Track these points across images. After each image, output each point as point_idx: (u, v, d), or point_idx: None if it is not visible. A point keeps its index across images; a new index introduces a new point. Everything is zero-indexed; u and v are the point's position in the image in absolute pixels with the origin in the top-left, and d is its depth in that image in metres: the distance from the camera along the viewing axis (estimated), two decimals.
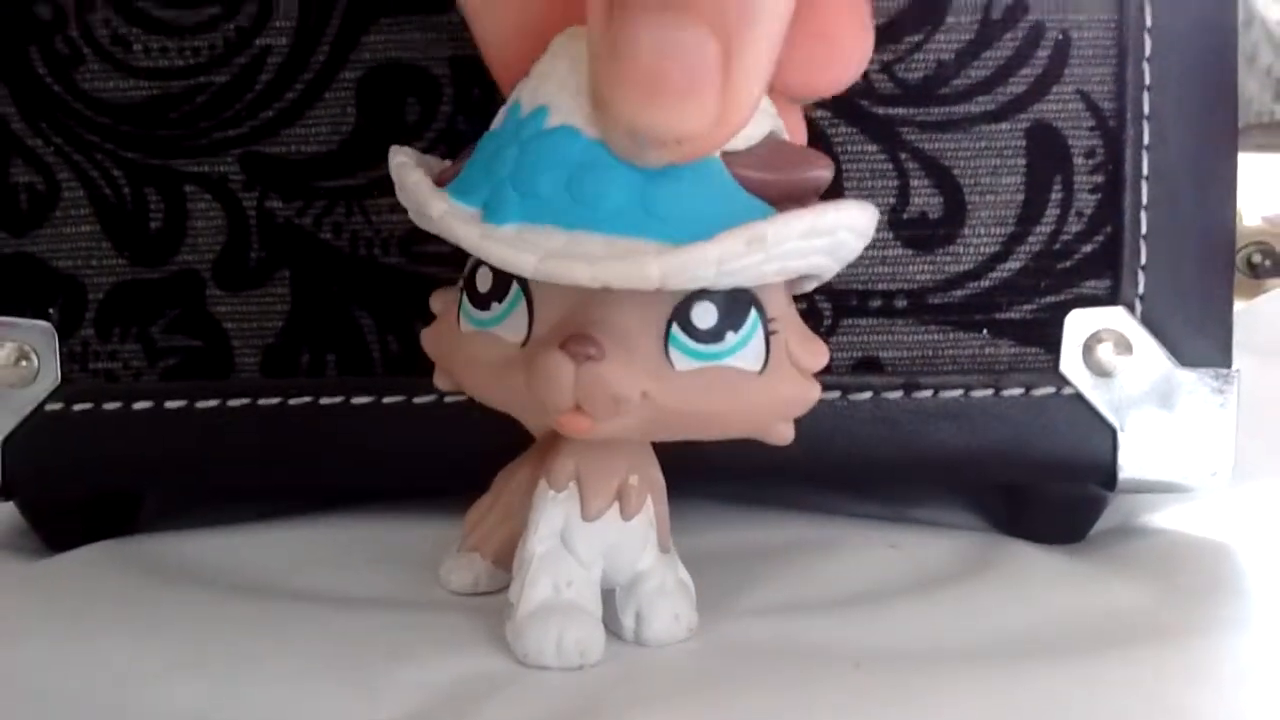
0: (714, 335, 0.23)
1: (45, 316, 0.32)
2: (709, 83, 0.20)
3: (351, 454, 0.32)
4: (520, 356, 0.23)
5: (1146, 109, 0.31)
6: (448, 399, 0.31)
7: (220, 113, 0.31)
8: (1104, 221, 0.31)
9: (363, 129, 0.31)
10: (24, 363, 0.32)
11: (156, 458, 0.32)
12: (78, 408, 0.32)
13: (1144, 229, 0.31)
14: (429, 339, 0.26)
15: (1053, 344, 0.31)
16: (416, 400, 0.31)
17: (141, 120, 0.31)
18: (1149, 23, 0.31)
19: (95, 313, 0.32)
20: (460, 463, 0.31)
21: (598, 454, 0.25)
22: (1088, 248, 0.31)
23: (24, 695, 0.24)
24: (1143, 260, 0.31)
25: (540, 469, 0.26)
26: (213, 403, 0.32)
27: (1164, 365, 0.31)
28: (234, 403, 0.32)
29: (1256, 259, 0.74)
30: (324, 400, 0.31)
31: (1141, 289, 0.31)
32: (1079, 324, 0.31)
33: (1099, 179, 0.31)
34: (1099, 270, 0.31)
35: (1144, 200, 0.31)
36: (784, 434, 0.24)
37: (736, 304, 0.23)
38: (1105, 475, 0.31)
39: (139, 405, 0.32)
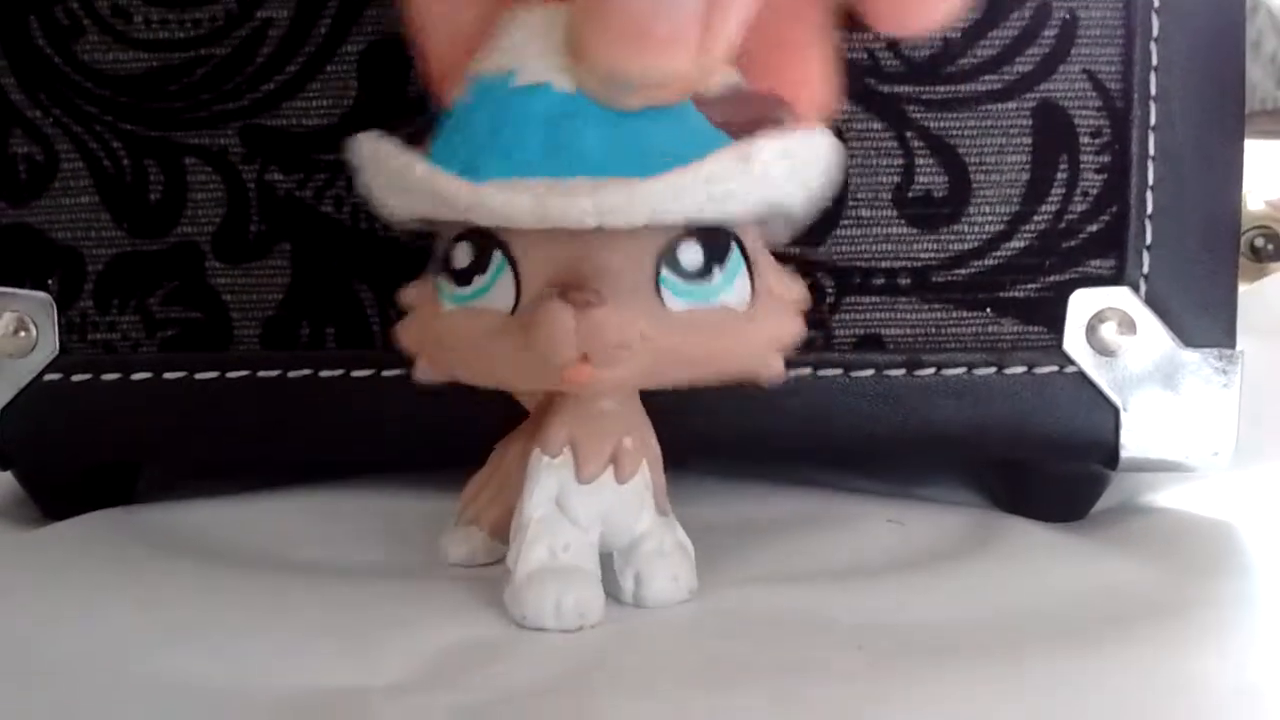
0: (701, 274, 0.23)
1: (44, 287, 0.32)
2: (692, 29, 0.21)
3: (351, 427, 0.32)
4: (512, 322, 0.23)
5: (1153, 89, 0.31)
6: None
7: (221, 85, 0.31)
8: (1110, 201, 0.31)
9: (364, 102, 0.31)
10: (23, 333, 0.31)
11: (155, 429, 0.32)
12: (76, 378, 0.32)
13: (1149, 209, 0.31)
14: (406, 332, 0.26)
15: (1056, 323, 0.31)
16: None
17: (141, 92, 0.31)
18: (1156, 2, 0.31)
19: (94, 284, 0.32)
20: (460, 436, 0.31)
21: (591, 418, 0.25)
22: (1093, 227, 0.31)
23: (21, 661, 0.24)
24: (1148, 240, 0.31)
25: (535, 440, 0.26)
26: (212, 374, 0.31)
27: (1167, 345, 0.31)
28: (233, 375, 0.31)
29: (1260, 243, 0.74)
30: (324, 373, 0.31)
31: (1146, 269, 0.31)
32: (1083, 303, 0.31)
33: (1105, 159, 0.31)
34: (1104, 250, 0.31)
35: (1150, 180, 0.31)
36: (776, 369, 0.24)
37: (719, 242, 0.23)
38: (1107, 454, 0.31)
39: (137, 376, 0.32)
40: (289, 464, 0.35)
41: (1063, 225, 0.31)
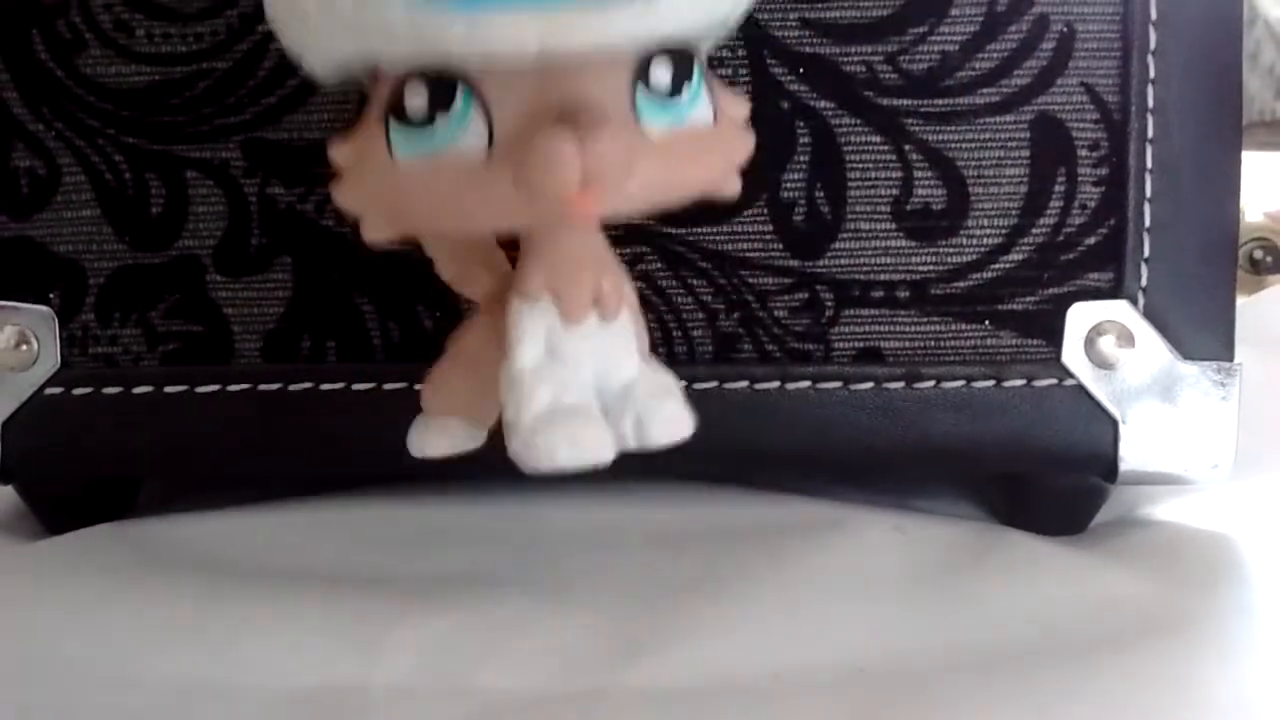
0: (673, 91, 0.23)
1: (46, 301, 0.32)
2: None
3: (351, 440, 0.32)
4: (497, 158, 0.21)
5: (1151, 102, 0.31)
6: None
7: (222, 99, 0.31)
8: (1107, 214, 0.31)
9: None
10: (24, 346, 0.32)
11: (156, 442, 0.32)
12: (77, 392, 0.32)
13: (1147, 222, 0.31)
14: (348, 190, 0.24)
15: (1055, 335, 0.31)
16: (418, 386, 0.31)
17: (143, 106, 0.31)
18: (1154, 16, 0.31)
19: (96, 297, 0.32)
20: None
21: (568, 260, 0.24)
22: (1091, 240, 0.31)
23: (23, 671, 0.24)
24: (1146, 253, 0.31)
25: (497, 314, 0.25)
26: (213, 388, 0.32)
27: (1166, 358, 0.31)
28: (234, 388, 0.32)
29: (1258, 255, 0.74)
30: (324, 386, 0.31)
31: (1144, 282, 0.31)
32: (1081, 316, 0.31)
33: (1103, 172, 0.31)
34: (1102, 263, 0.31)
35: (1148, 193, 0.31)
36: (735, 187, 0.24)
37: (683, 59, 0.23)
38: (1106, 467, 0.31)
39: (139, 390, 0.32)
40: (289, 477, 0.35)
41: (1061, 238, 0.31)
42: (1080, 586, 0.29)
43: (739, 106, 0.24)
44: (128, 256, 0.32)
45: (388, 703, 0.22)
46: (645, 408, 0.25)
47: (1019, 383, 0.31)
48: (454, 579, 0.29)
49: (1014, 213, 0.31)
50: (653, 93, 0.22)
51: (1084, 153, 0.31)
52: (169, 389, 0.32)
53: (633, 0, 0.21)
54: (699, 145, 0.23)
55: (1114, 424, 0.31)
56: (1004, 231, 0.31)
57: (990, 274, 0.31)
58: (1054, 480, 0.33)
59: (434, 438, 0.27)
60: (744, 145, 0.24)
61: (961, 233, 0.31)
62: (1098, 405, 0.31)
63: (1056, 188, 0.31)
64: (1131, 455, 0.31)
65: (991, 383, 0.31)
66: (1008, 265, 0.31)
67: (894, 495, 0.36)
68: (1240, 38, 0.32)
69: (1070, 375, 0.31)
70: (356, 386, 0.31)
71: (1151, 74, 0.31)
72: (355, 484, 0.36)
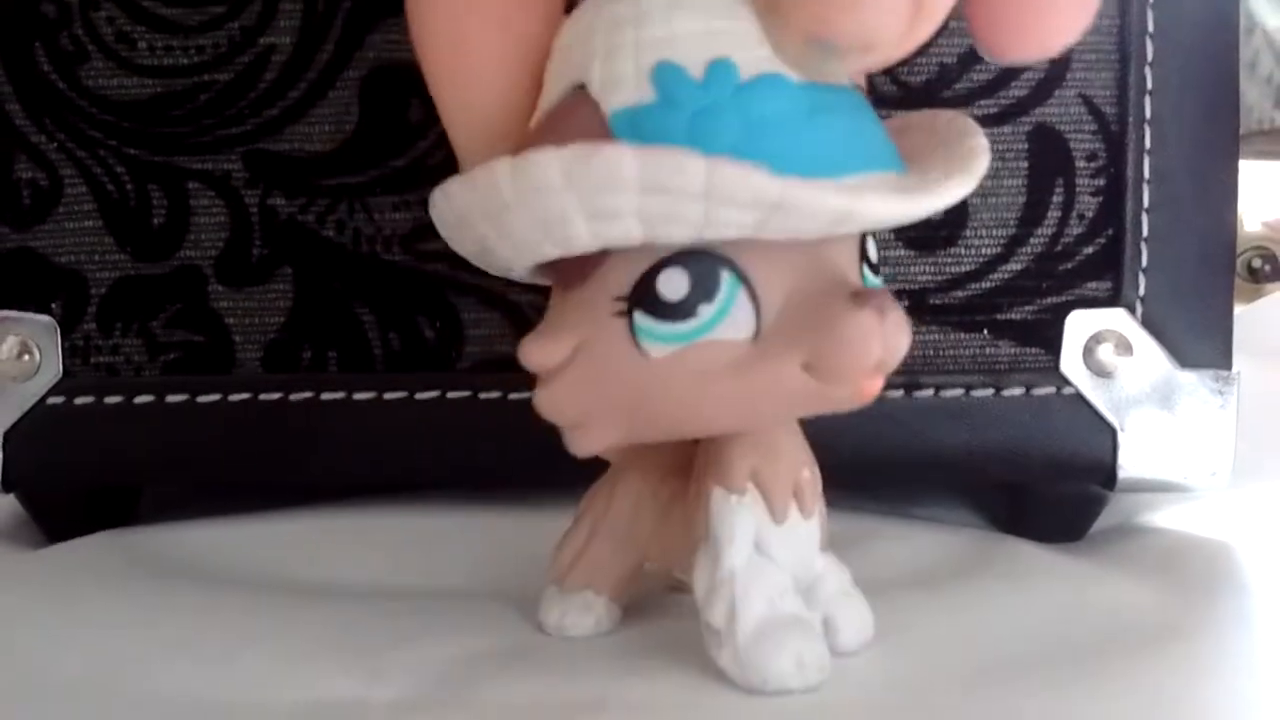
0: (876, 267, 0.23)
1: (48, 311, 0.32)
2: None
3: (352, 449, 0.32)
4: (770, 346, 0.20)
5: (1148, 113, 0.31)
6: (449, 395, 0.31)
7: (224, 110, 0.31)
8: (1105, 224, 0.31)
9: (365, 128, 0.31)
10: (26, 357, 0.32)
11: (157, 452, 0.32)
12: (79, 402, 0.32)
13: (1145, 231, 0.31)
14: (567, 394, 0.21)
15: (1053, 344, 0.31)
16: (418, 396, 0.31)
17: (145, 117, 0.31)
18: (1150, 27, 0.31)
19: (97, 307, 0.32)
20: (461, 458, 0.32)
21: (771, 449, 0.23)
22: (1089, 250, 0.31)
23: (23, 680, 0.24)
24: (1144, 262, 0.31)
25: (661, 485, 0.24)
26: (214, 397, 0.32)
27: (1164, 366, 0.31)
28: (235, 397, 0.32)
29: (1257, 264, 0.74)
30: (325, 396, 0.32)
31: (1142, 291, 0.31)
32: (1080, 325, 0.31)
33: (1100, 182, 0.31)
34: (1100, 272, 0.31)
35: (1145, 203, 0.31)
36: None
37: (874, 236, 0.23)
38: (1105, 475, 0.31)
39: (140, 399, 0.32)
40: (290, 486, 0.35)
41: (1059, 248, 0.31)
42: (1079, 594, 0.29)
43: None
44: (129, 267, 0.32)
45: (388, 718, 0.22)
46: (837, 609, 0.24)
47: (1018, 391, 0.31)
48: (454, 591, 0.29)
49: (1012, 223, 0.31)
50: (870, 266, 0.22)
51: (1082, 163, 0.31)
52: (170, 398, 0.32)
53: (927, 182, 0.20)
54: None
55: (1113, 432, 0.31)
56: (1002, 241, 0.31)
57: (989, 283, 0.31)
58: (1053, 488, 0.33)
59: (577, 615, 0.26)
60: None
61: (960, 243, 0.31)
62: (1096, 413, 0.31)
63: (1054, 198, 0.31)
64: (1130, 463, 0.31)
65: (990, 391, 0.31)
66: (1006, 275, 0.31)
67: (894, 504, 0.36)
68: (1237, 48, 0.32)
69: (1069, 384, 0.31)
70: (357, 396, 0.32)
71: (1149, 85, 0.31)
72: (356, 493, 0.36)
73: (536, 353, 0.21)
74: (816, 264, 0.20)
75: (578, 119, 0.20)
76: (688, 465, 0.24)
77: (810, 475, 0.23)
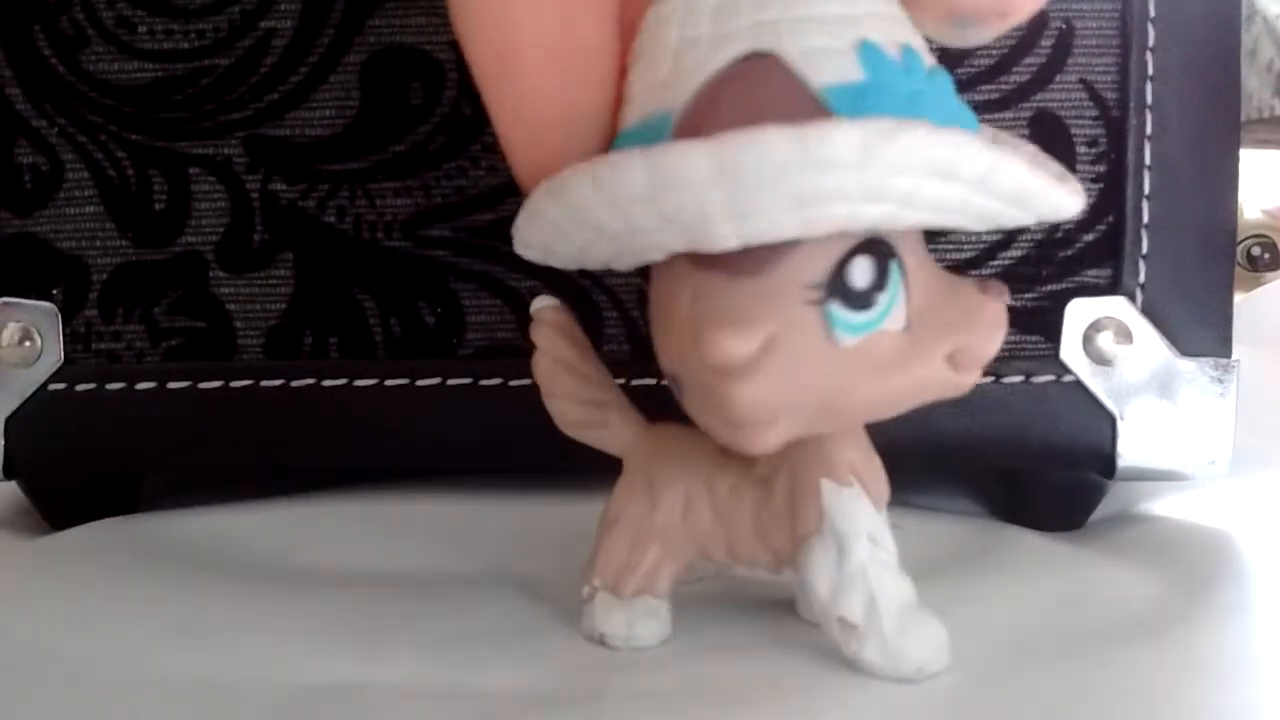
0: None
1: (49, 297, 0.32)
2: None
3: (353, 435, 0.32)
4: (921, 336, 0.21)
5: (1149, 99, 0.31)
6: (450, 381, 0.31)
7: (224, 95, 0.31)
8: (1106, 211, 0.31)
9: (366, 113, 0.31)
10: (27, 343, 0.32)
11: (159, 438, 0.32)
12: (81, 388, 0.32)
13: (1145, 219, 0.31)
14: (766, 387, 0.20)
15: (1053, 332, 0.31)
16: (420, 383, 0.31)
17: (146, 102, 0.31)
18: (1152, 13, 0.31)
19: (99, 293, 0.32)
20: (462, 443, 0.32)
21: (860, 439, 0.23)
22: (1089, 237, 0.31)
23: (26, 666, 0.24)
24: (1144, 250, 0.31)
25: (714, 479, 0.24)
26: (215, 384, 0.32)
27: (1164, 354, 0.31)
28: (236, 384, 0.32)
29: (1256, 252, 0.74)
30: (326, 382, 0.32)
31: (1142, 278, 0.31)
32: (1079, 312, 0.31)
33: (1101, 168, 0.31)
34: (1100, 259, 0.31)
35: (1146, 190, 0.31)
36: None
37: None
38: (1105, 463, 0.31)
39: (142, 386, 0.32)
40: (292, 472, 0.35)
41: (1059, 235, 0.31)
42: (1078, 582, 0.29)
43: None
44: (130, 253, 0.32)
45: (389, 703, 0.22)
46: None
47: (1017, 379, 0.31)
48: (455, 576, 0.29)
49: None
50: None
51: (1083, 149, 0.31)
52: (172, 385, 0.32)
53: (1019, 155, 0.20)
54: None
55: (1112, 420, 0.31)
56: (1002, 228, 0.31)
57: (989, 270, 0.31)
58: (1052, 476, 0.33)
59: (643, 623, 0.25)
60: None
61: (960, 229, 0.31)
62: (1096, 401, 0.31)
63: None
64: (1130, 451, 0.31)
65: (990, 379, 0.31)
66: (1006, 262, 0.31)
67: (893, 492, 0.36)
68: (1239, 35, 0.32)
69: (1068, 371, 0.31)
70: (358, 383, 0.32)
71: (1150, 71, 0.31)
72: (357, 479, 0.36)
73: (728, 345, 0.20)
74: (924, 256, 0.21)
75: (775, 91, 0.19)
76: (732, 456, 0.24)
77: (880, 465, 0.24)
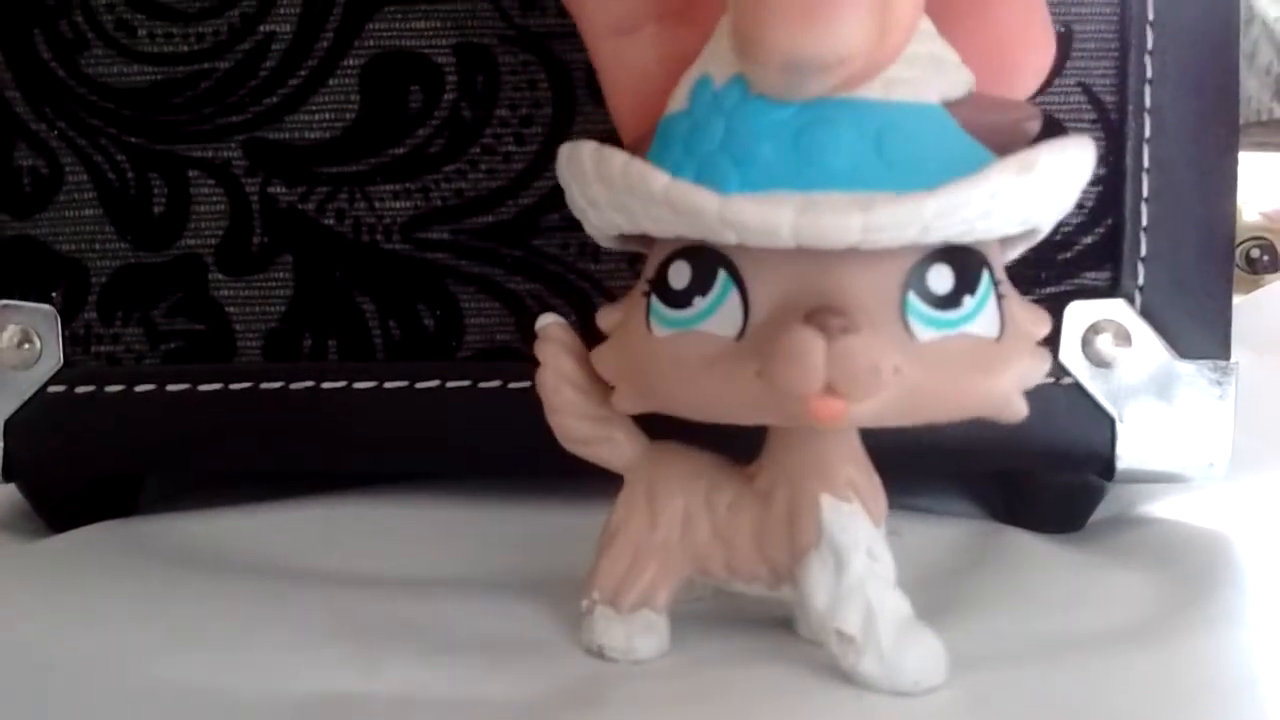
0: (951, 301, 0.21)
1: (48, 300, 0.32)
2: None
3: (353, 438, 0.32)
4: (742, 348, 0.21)
5: (1148, 102, 0.31)
6: (449, 384, 0.31)
7: (224, 98, 0.31)
8: (1105, 214, 0.31)
9: (366, 116, 0.31)
10: (27, 345, 0.32)
11: (158, 440, 0.32)
12: (80, 390, 0.32)
13: (1144, 221, 0.31)
14: (604, 359, 0.24)
15: (1052, 334, 0.31)
16: (419, 385, 0.31)
17: (145, 105, 0.31)
18: (1151, 16, 0.31)
19: (98, 296, 0.32)
20: (461, 446, 0.32)
21: (858, 454, 0.23)
22: (1088, 239, 0.31)
23: (25, 671, 0.24)
24: (1143, 252, 0.31)
25: (712, 495, 0.24)
26: (215, 386, 0.32)
27: (1163, 357, 0.31)
28: (236, 386, 0.32)
29: (1255, 254, 0.74)
30: (326, 385, 0.32)
31: (1141, 281, 0.31)
32: (1078, 315, 0.31)
33: (1100, 171, 0.31)
34: (1099, 262, 0.31)
35: (1145, 193, 0.31)
36: (1020, 408, 0.22)
37: (969, 265, 0.21)
38: (1103, 465, 0.31)
39: (141, 388, 0.32)
40: (291, 475, 0.35)
41: (1058, 237, 0.31)
42: (1077, 584, 0.29)
43: (1038, 324, 0.22)
44: (130, 255, 0.32)
45: (390, 713, 0.22)
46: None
47: None
48: (455, 580, 0.29)
49: None
50: (927, 297, 0.21)
51: None
52: (171, 387, 0.32)
53: (899, 197, 0.19)
54: (980, 359, 0.21)
55: (1111, 422, 0.31)
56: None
57: None
58: (1051, 478, 0.33)
59: (642, 637, 0.25)
60: (1037, 366, 0.22)
61: None
62: (1095, 403, 0.31)
63: None
64: (1128, 453, 0.31)
65: None
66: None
67: (891, 494, 0.36)
68: (1237, 38, 0.32)
69: (1067, 373, 0.31)
70: (358, 385, 0.32)
71: (1149, 74, 0.31)
72: (357, 483, 0.36)
73: (600, 317, 0.24)
74: (815, 281, 0.21)
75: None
76: (731, 472, 0.25)
77: (879, 483, 0.24)
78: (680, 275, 0.22)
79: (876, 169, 0.20)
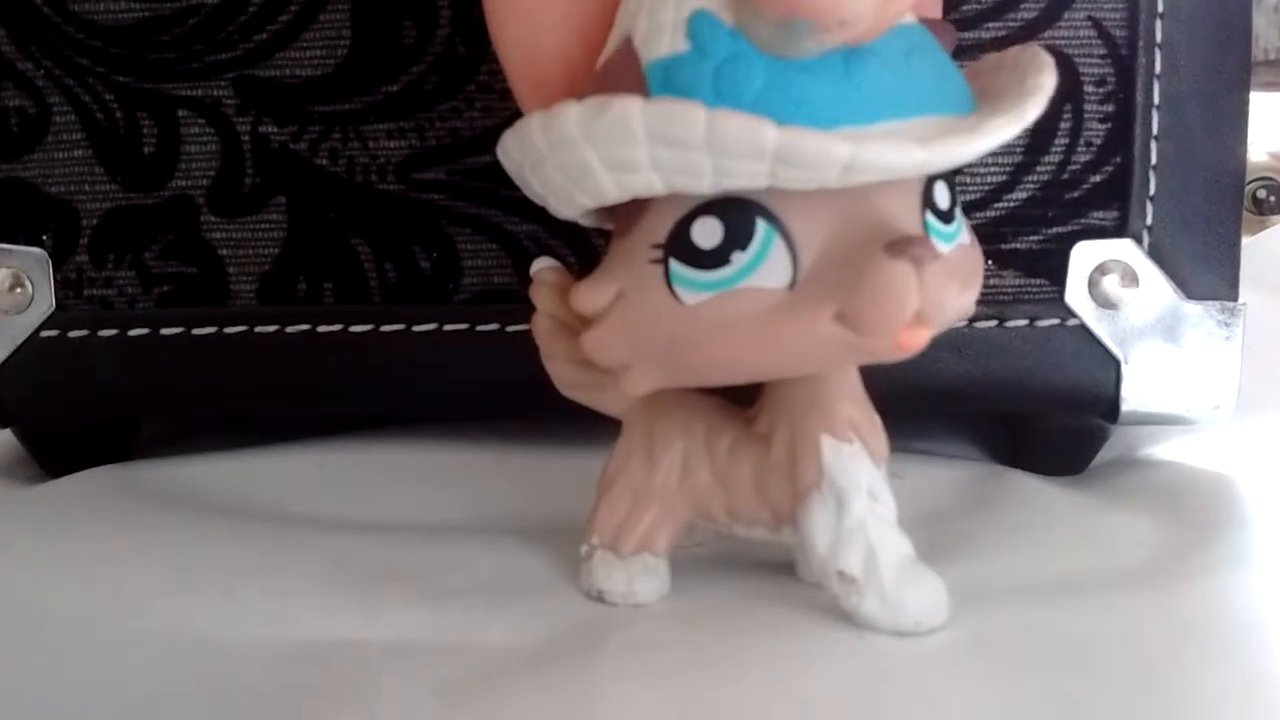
0: (949, 215, 0.22)
1: (39, 243, 0.31)
2: None
3: (348, 381, 0.31)
4: (804, 295, 0.20)
5: (1159, 37, 0.31)
6: (447, 327, 0.31)
7: (213, 35, 0.30)
8: (1113, 151, 0.31)
9: (358, 52, 0.30)
10: (18, 289, 0.31)
11: (153, 385, 0.32)
12: (73, 334, 0.31)
13: (1153, 159, 0.31)
14: (604, 343, 0.22)
15: (1059, 275, 0.31)
16: (415, 328, 0.31)
17: (133, 43, 0.31)
18: None
19: (89, 239, 0.31)
20: (459, 390, 0.31)
21: (860, 395, 0.23)
22: (1096, 178, 0.31)
23: (22, 616, 0.24)
24: (1151, 191, 0.31)
25: (712, 438, 0.24)
26: (209, 330, 0.31)
27: (1170, 298, 0.31)
28: (230, 330, 0.31)
29: (1262, 194, 0.73)
30: (321, 328, 0.31)
31: (1149, 220, 0.31)
32: (1085, 255, 0.31)
33: (1109, 108, 0.31)
34: (1107, 201, 0.31)
35: (1154, 130, 0.31)
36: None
37: (952, 181, 0.22)
38: (1108, 407, 0.31)
39: (134, 332, 0.31)
40: (287, 419, 0.35)
41: (1066, 176, 0.31)
42: (1081, 526, 0.29)
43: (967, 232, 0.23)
44: (120, 197, 0.31)
45: (387, 658, 0.22)
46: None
47: (1021, 323, 0.31)
48: (452, 525, 0.29)
49: (1018, 149, 0.31)
50: (937, 213, 0.21)
51: (1090, 88, 0.31)
52: (165, 331, 0.31)
53: (970, 125, 0.20)
54: (977, 262, 0.22)
55: (1116, 364, 0.31)
56: (1008, 169, 0.31)
57: (994, 212, 0.31)
58: (1055, 420, 0.33)
59: (643, 580, 0.25)
60: (981, 265, 0.23)
61: (965, 170, 0.31)
62: (1100, 345, 0.31)
63: (1062, 124, 0.31)
64: (1133, 395, 0.31)
65: (994, 323, 0.31)
66: (1011, 204, 0.31)
67: (895, 437, 0.36)
68: None
69: (1073, 315, 0.31)
70: (353, 328, 0.31)
71: (1160, 9, 0.30)
72: (354, 427, 0.35)
73: (583, 298, 0.22)
74: (860, 212, 0.20)
75: (620, 71, 0.21)
76: (730, 415, 0.24)
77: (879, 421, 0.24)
78: (709, 233, 0.20)
79: (924, 96, 0.20)
